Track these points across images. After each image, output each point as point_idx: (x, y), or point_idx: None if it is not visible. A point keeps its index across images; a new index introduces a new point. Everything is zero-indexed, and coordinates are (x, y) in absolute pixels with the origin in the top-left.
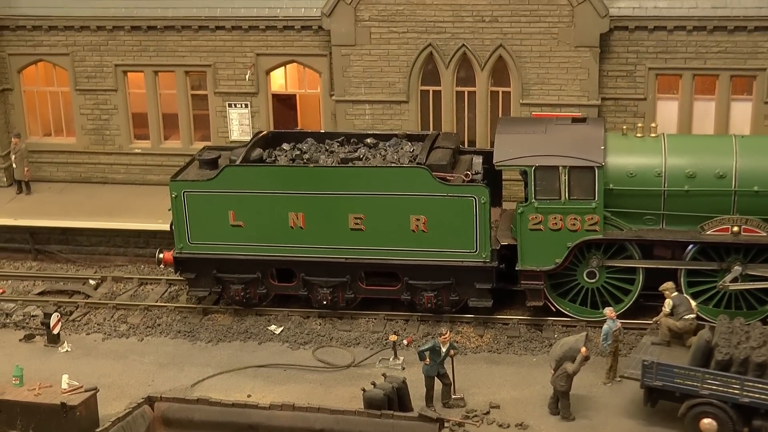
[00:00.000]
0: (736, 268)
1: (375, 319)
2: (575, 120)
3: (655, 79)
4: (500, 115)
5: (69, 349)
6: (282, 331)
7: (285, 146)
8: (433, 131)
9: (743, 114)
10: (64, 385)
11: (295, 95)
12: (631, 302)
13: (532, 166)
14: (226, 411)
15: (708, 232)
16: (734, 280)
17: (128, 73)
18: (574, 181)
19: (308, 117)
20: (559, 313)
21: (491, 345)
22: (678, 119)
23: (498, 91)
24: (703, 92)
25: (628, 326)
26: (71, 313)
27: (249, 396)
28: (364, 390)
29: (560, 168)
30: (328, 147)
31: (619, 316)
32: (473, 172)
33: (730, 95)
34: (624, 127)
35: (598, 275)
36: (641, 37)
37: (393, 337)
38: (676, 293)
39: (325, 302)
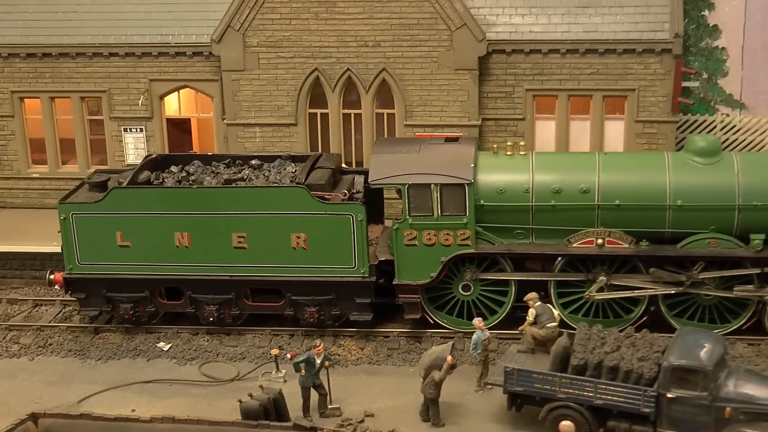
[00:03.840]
0: (601, 278)
1: (261, 334)
2: (448, 140)
3: (532, 100)
4: (386, 136)
5: None
6: (170, 347)
7: (173, 168)
8: (316, 152)
9: (617, 132)
10: None
11: (189, 119)
12: (505, 313)
13: (405, 184)
14: (109, 425)
15: (574, 245)
16: (600, 290)
17: (25, 100)
18: (445, 197)
19: (205, 140)
20: (438, 325)
21: (371, 357)
22: (555, 138)
23: (383, 113)
24: (579, 112)
25: (503, 336)
26: None
27: (133, 410)
28: (240, 401)
29: (432, 185)
30: (214, 169)
31: (494, 327)
32: (354, 191)
33: (603, 115)
34: (494, 145)
35: (472, 288)
36: (518, 60)
37: (275, 351)
38: (539, 303)
39: (211, 319)
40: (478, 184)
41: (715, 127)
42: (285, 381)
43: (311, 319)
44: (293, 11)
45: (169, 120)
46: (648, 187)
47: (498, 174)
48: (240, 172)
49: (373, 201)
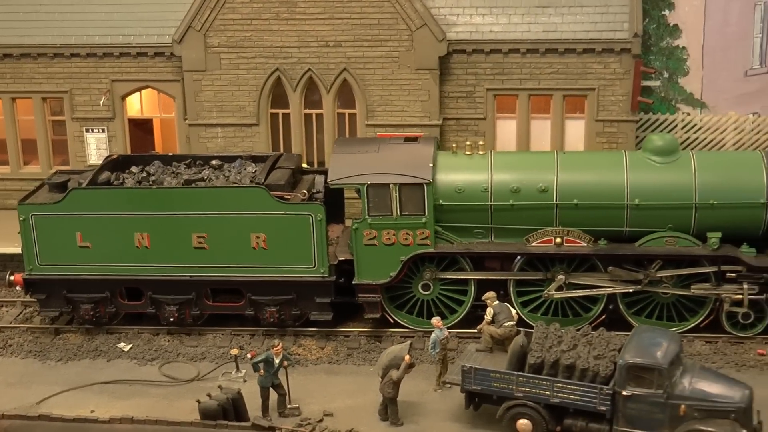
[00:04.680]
0: (560, 277)
1: (222, 334)
2: (408, 139)
3: (493, 100)
4: (347, 136)
5: None
6: (131, 348)
7: (133, 169)
8: (276, 152)
9: (577, 131)
10: None
11: (152, 120)
12: (464, 312)
13: (365, 184)
14: (67, 426)
15: (533, 244)
16: (559, 289)
17: None
18: (404, 197)
19: (168, 141)
20: (398, 325)
21: (332, 356)
22: (516, 137)
23: (344, 113)
24: (539, 111)
25: (463, 335)
26: None
27: (92, 411)
28: (199, 402)
29: (391, 185)
30: (174, 169)
31: (454, 326)
32: (315, 191)
33: (564, 114)
34: (453, 145)
35: (432, 287)
36: (479, 60)
37: (234, 351)
38: (497, 302)
39: (172, 319)
40: (437, 184)
41: (676, 125)
42: (245, 381)
43: (271, 319)
44: (254, 11)
45: (131, 120)
46: (606, 186)
47: (457, 174)
48: (200, 173)
49: (334, 201)
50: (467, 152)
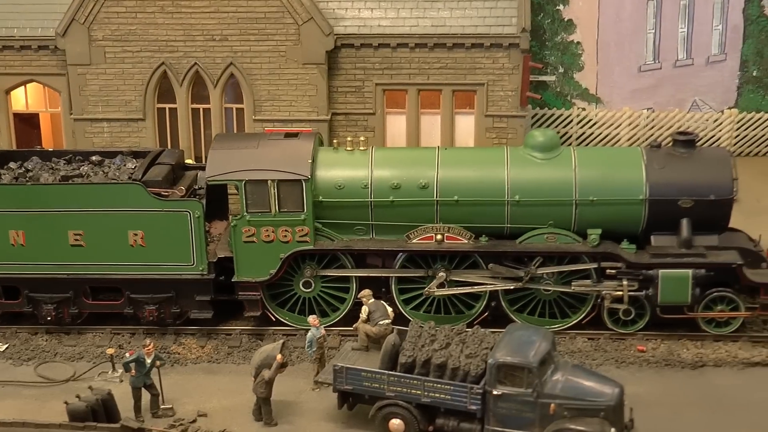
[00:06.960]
0: (441, 274)
1: (102, 333)
2: (288, 135)
3: (382, 94)
4: (236, 131)
5: None
6: (7, 348)
7: (11, 165)
8: (157, 148)
9: (467, 126)
10: None
11: (38, 114)
12: (346, 310)
13: (242, 180)
14: None
15: (414, 241)
16: (440, 286)
17: None
18: (283, 194)
19: (57, 136)
20: (280, 323)
21: (212, 355)
22: (406, 133)
23: (232, 108)
24: (429, 106)
25: (346, 333)
26: None
27: None
28: (67, 403)
29: (269, 182)
30: (53, 165)
31: (336, 324)
32: (197, 187)
33: (453, 109)
34: (335, 141)
35: (313, 285)
36: (367, 54)
37: (110, 351)
38: (372, 300)
39: (49, 318)
40: (316, 180)
41: (571, 121)
42: (121, 381)
43: (151, 318)
44: (138, 4)
45: (16, 115)
46: (486, 183)
47: (337, 170)
48: (79, 169)
49: (218, 197)
50: (348, 148)
